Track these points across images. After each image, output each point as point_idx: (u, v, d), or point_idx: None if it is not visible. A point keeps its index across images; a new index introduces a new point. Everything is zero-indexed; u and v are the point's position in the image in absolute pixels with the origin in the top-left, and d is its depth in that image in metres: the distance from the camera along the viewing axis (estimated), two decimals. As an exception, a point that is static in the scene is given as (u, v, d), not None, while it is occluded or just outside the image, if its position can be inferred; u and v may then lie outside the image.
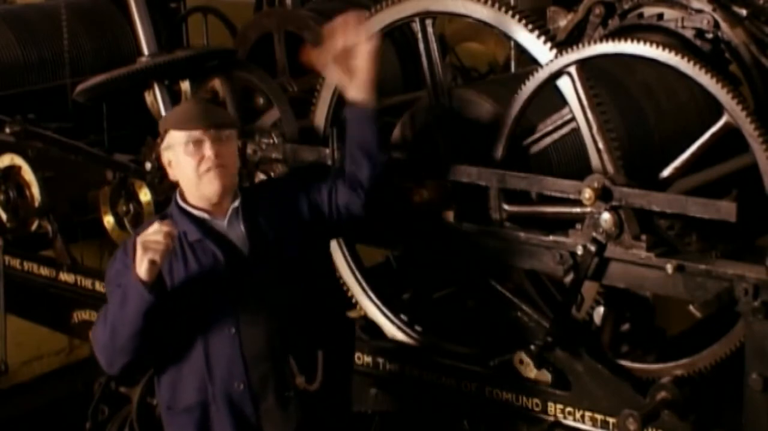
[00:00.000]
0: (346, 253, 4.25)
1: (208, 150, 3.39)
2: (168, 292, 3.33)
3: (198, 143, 3.40)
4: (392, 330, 4.19)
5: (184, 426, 3.51)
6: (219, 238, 3.45)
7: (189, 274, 3.41)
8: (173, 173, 3.51)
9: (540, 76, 3.69)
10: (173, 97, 4.96)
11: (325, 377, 3.50)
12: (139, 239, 3.23)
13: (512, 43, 4.39)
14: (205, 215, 3.47)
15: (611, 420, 3.61)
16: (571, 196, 3.59)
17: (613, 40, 3.62)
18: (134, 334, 3.30)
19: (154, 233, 3.23)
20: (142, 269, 3.21)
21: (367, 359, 4.15)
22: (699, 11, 4.46)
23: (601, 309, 3.85)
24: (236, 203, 3.49)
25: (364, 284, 4.24)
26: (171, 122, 3.49)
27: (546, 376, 3.73)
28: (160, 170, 4.55)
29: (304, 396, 3.48)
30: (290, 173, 4.06)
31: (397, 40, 5.47)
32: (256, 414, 3.46)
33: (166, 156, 3.50)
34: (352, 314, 4.27)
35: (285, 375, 3.46)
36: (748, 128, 3.44)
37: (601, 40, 3.68)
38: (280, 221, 3.54)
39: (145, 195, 4.71)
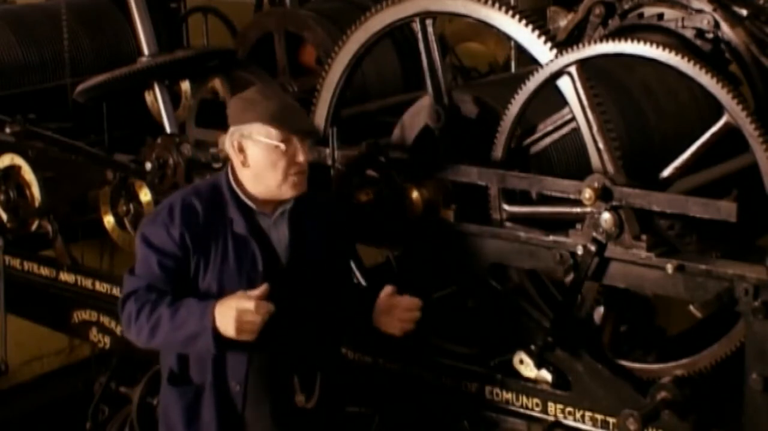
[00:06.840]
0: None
1: (301, 156, 3.41)
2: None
3: (293, 145, 3.41)
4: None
5: (175, 402, 3.54)
6: (262, 239, 3.45)
7: (225, 267, 3.41)
8: (240, 159, 3.43)
9: (540, 76, 3.69)
10: (173, 97, 4.97)
11: (322, 397, 3.52)
12: (237, 312, 3.25)
13: (512, 43, 4.39)
14: (253, 206, 3.46)
15: (611, 420, 3.61)
16: (572, 196, 3.59)
17: (613, 40, 3.62)
18: (180, 351, 3.49)
19: (253, 312, 3.26)
20: (227, 333, 3.27)
21: (368, 359, 4.15)
22: (699, 11, 4.46)
23: (601, 309, 3.84)
24: (287, 206, 3.50)
25: (364, 284, 4.23)
26: (268, 117, 3.39)
27: (546, 376, 3.73)
28: (160, 169, 4.56)
29: (300, 413, 3.50)
30: (341, 204, 3.96)
31: (397, 40, 5.47)
32: (243, 417, 3.48)
33: (240, 141, 3.42)
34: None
35: (286, 389, 3.48)
36: (748, 128, 3.43)
37: (601, 40, 3.68)
38: (319, 243, 3.56)
39: (145, 195, 4.70)
